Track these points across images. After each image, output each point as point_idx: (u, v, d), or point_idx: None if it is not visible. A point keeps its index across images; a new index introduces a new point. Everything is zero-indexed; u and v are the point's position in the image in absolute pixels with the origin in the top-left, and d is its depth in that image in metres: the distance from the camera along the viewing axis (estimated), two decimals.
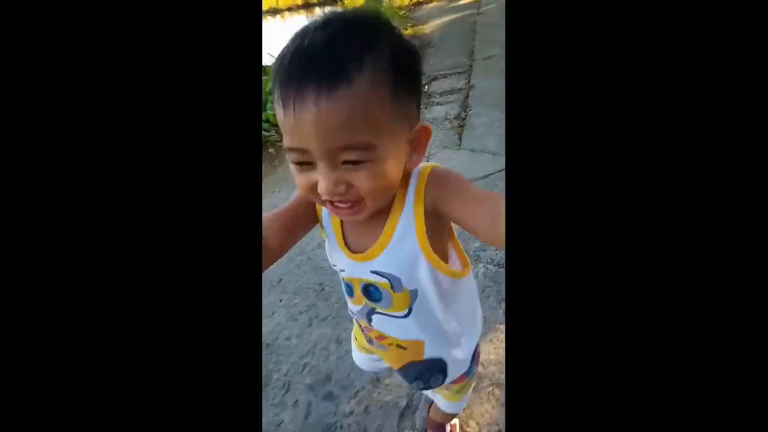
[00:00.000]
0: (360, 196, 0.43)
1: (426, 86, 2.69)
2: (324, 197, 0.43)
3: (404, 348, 0.62)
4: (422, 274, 0.52)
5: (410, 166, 0.47)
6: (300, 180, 0.44)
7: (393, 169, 0.43)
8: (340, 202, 0.44)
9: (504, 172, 1.60)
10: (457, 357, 0.64)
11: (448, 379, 0.66)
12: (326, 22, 0.40)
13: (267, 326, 1.27)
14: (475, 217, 0.44)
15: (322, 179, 0.41)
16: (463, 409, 0.87)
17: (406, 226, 0.49)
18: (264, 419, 1.02)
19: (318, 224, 0.57)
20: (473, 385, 0.79)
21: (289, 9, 9.15)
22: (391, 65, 0.40)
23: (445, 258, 0.53)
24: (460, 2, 4.69)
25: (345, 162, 0.40)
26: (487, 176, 1.66)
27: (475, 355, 0.68)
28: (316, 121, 0.38)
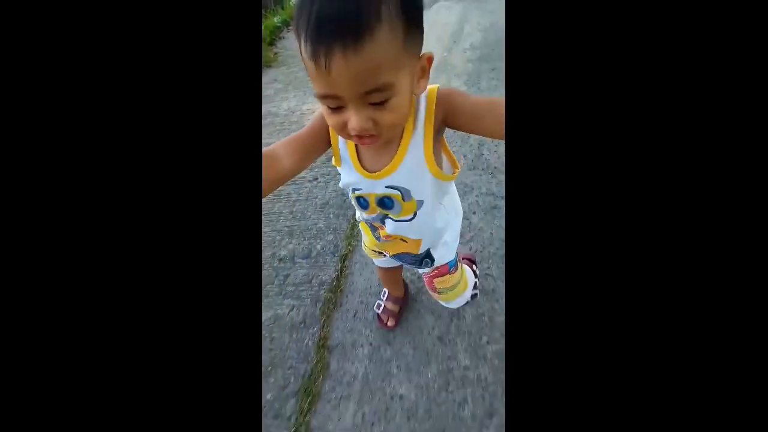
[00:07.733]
0: (381, 129, 0.51)
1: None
2: (353, 133, 0.50)
3: (405, 242, 0.76)
4: (427, 184, 0.64)
5: (418, 92, 0.54)
6: (332, 120, 0.51)
7: (407, 99, 0.51)
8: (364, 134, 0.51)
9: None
10: (443, 246, 0.78)
11: (435, 264, 0.81)
12: None
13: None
14: (482, 125, 0.55)
15: (354, 119, 0.48)
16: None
17: (416, 145, 0.59)
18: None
19: (328, 150, 0.65)
20: (463, 287, 0.91)
21: None
22: (401, 11, 0.44)
23: (440, 165, 0.64)
24: None
25: (371, 103, 0.47)
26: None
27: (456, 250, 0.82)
28: (345, 73, 0.43)
